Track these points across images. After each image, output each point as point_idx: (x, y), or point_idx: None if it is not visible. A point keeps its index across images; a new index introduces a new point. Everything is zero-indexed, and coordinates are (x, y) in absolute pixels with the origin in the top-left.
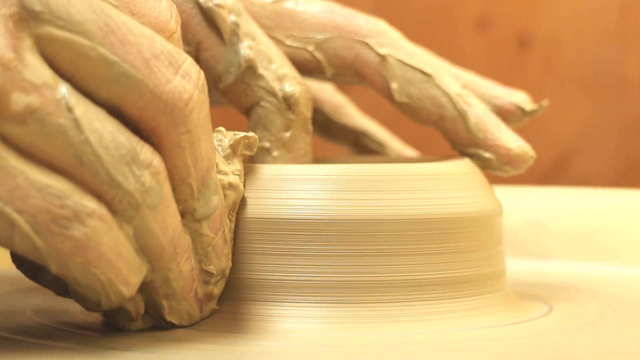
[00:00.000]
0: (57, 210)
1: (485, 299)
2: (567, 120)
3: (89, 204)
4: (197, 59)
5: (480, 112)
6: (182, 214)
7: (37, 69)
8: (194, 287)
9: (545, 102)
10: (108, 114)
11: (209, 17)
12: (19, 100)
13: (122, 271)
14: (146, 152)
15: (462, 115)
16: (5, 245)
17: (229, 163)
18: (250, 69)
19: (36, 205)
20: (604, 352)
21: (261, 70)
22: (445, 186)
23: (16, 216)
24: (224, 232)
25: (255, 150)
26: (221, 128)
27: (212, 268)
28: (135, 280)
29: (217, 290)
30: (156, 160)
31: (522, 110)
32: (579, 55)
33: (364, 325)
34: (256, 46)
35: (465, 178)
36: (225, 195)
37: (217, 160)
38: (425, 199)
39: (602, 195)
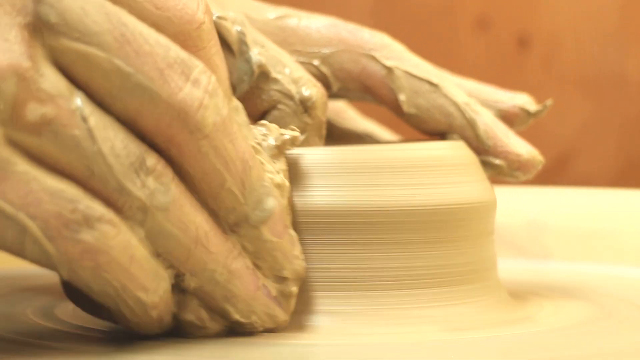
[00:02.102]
0: (68, 214)
1: (481, 290)
2: (567, 120)
3: (99, 208)
4: None
5: (489, 119)
6: (237, 224)
7: (52, 79)
8: (260, 285)
9: (549, 102)
10: (120, 123)
11: None
12: (35, 110)
13: (136, 276)
14: (151, 159)
15: (471, 124)
16: (16, 253)
17: (275, 162)
18: (263, 74)
19: (49, 210)
20: (603, 352)
21: (275, 74)
22: (444, 174)
23: (29, 222)
24: (290, 233)
25: (297, 144)
26: (265, 122)
27: (286, 273)
28: (154, 285)
29: (294, 288)
30: (160, 164)
31: (526, 112)
32: (579, 55)
33: (387, 319)
34: (266, 52)
35: (461, 164)
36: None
37: (262, 160)
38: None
39: (602, 195)
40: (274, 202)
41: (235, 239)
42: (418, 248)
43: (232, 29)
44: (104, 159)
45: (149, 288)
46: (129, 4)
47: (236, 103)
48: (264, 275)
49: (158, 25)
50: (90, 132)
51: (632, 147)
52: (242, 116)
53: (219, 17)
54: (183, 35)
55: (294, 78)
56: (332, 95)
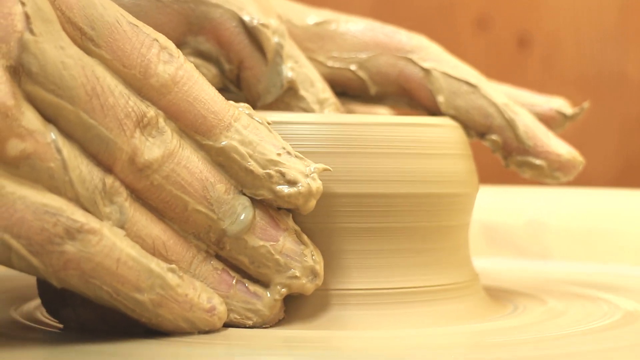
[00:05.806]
0: (51, 228)
1: (462, 282)
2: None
3: (80, 218)
4: (239, 78)
5: (528, 120)
6: (219, 241)
7: (30, 116)
8: (233, 283)
9: (586, 105)
10: (82, 150)
11: (253, 36)
12: (16, 146)
13: (128, 278)
14: (109, 179)
15: (511, 124)
16: (4, 265)
17: (306, 165)
18: (291, 90)
19: (32, 227)
20: (603, 350)
21: (302, 92)
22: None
23: (13, 241)
24: (293, 231)
25: None
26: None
27: (294, 272)
28: (149, 283)
29: (305, 283)
30: (117, 183)
31: (563, 115)
32: (579, 55)
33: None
34: (298, 68)
35: (450, 146)
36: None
37: (296, 167)
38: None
39: (602, 195)
40: (250, 213)
41: (225, 253)
42: (401, 233)
43: (272, 39)
44: (72, 187)
45: (143, 288)
46: (102, 58)
47: (239, 125)
48: (266, 280)
49: (124, 80)
50: (64, 163)
51: (632, 147)
52: (258, 130)
53: (262, 25)
54: (147, 87)
55: (320, 98)
56: (370, 99)
